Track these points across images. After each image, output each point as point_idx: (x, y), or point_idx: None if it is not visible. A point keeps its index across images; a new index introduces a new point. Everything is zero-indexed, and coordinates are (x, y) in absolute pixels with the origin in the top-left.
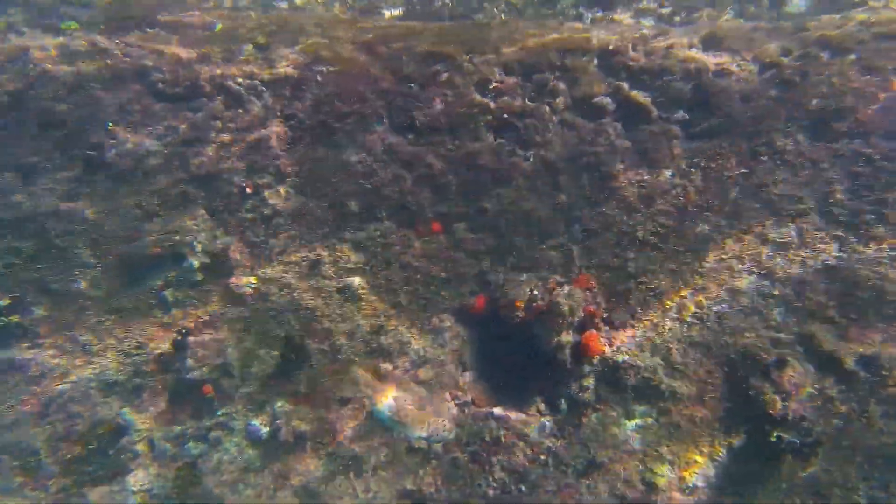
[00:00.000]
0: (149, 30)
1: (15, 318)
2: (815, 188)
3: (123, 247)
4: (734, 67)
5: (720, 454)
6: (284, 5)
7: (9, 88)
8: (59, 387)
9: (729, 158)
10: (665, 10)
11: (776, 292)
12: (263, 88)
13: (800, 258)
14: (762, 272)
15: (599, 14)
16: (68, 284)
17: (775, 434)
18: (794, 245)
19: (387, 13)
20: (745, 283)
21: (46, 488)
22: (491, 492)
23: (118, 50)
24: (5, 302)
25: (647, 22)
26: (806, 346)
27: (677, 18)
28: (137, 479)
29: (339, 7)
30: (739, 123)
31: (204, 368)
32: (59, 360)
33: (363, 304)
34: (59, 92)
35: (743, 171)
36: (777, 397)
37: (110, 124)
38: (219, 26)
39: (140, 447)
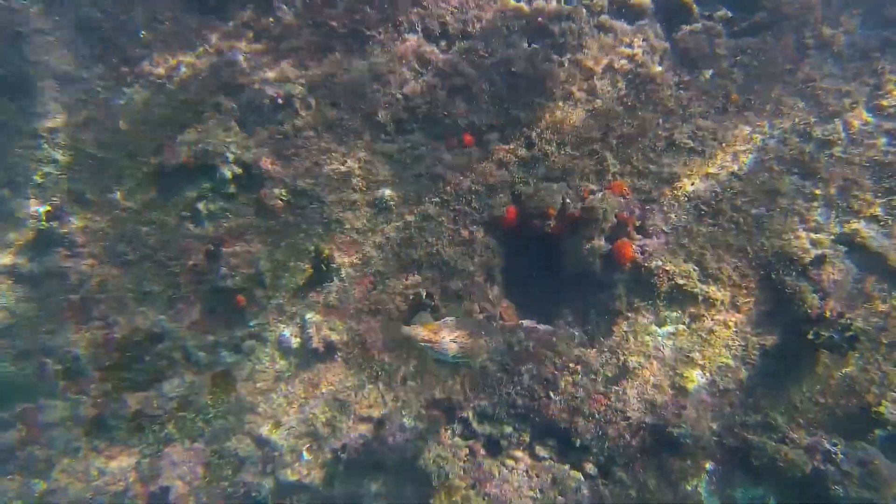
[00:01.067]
0: None
1: (55, 224)
2: (864, 81)
3: (158, 158)
4: None
5: (753, 356)
6: None
7: None
8: (98, 295)
9: (774, 54)
10: None
11: (818, 191)
12: None
13: (845, 155)
14: (805, 172)
15: None
16: (104, 195)
17: (812, 333)
18: (839, 142)
19: None
20: (785, 183)
21: (87, 392)
22: (520, 400)
23: None
24: (46, 208)
25: None
26: (848, 245)
27: None
28: (173, 385)
29: None
30: (787, 16)
31: (237, 278)
32: (96, 268)
33: (393, 215)
34: None
35: (789, 66)
36: (815, 296)
37: (143, 33)
38: None
39: (175, 355)
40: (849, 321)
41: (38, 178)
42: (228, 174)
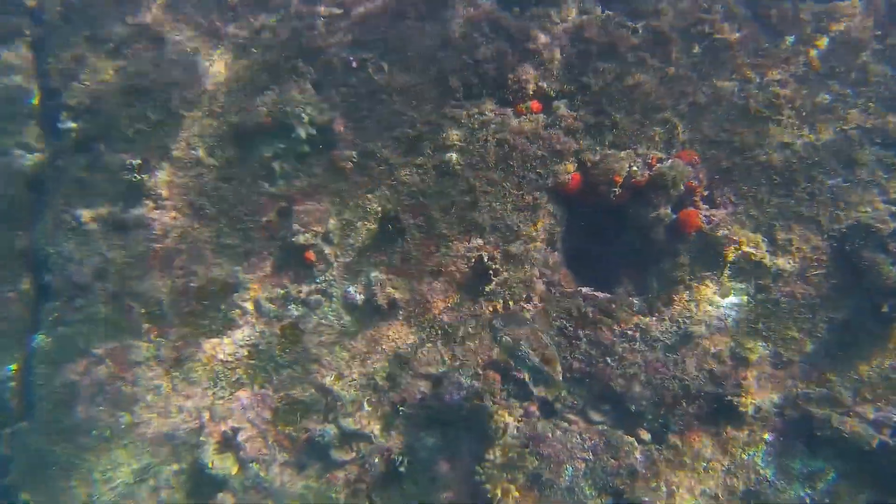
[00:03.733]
0: None
1: (146, 177)
2: None
3: (238, 116)
4: None
5: (821, 329)
6: None
7: None
8: (179, 245)
9: (863, 19)
10: None
11: None
12: None
13: None
14: (887, 142)
15: None
16: (188, 151)
17: (888, 306)
18: None
19: None
20: (866, 153)
21: (168, 335)
22: (577, 364)
23: None
24: (137, 161)
25: None
26: None
27: None
28: (244, 334)
29: None
30: None
31: (308, 234)
32: (179, 220)
33: (459, 179)
34: None
35: (877, 32)
36: (893, 268)
37: None
38: None
39: (248, 305)
40: None
41: (129, 134)
42: (303, 134)
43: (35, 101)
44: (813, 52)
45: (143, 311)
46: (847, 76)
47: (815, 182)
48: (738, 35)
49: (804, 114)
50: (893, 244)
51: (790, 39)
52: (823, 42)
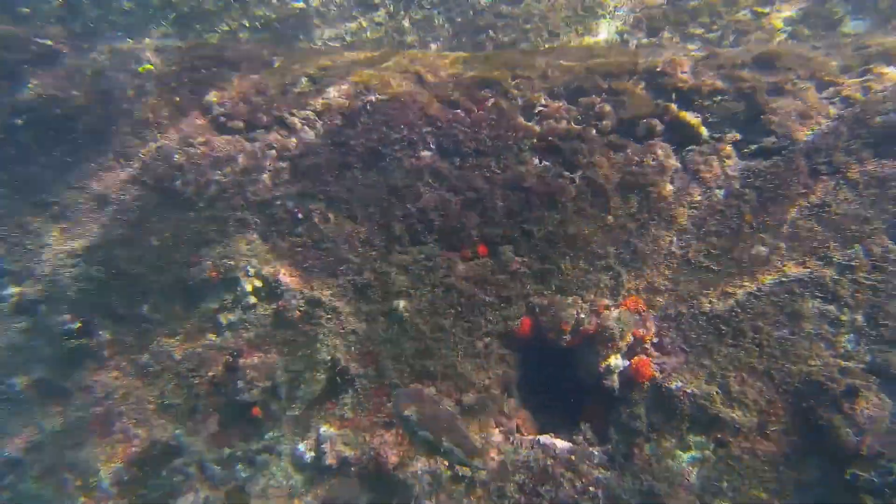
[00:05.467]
0: (214, 69)
1: (84, 341)
2: (883, 207)
3: (184, 272)
4: (790, 86)
5: (788, 491)
6: (337, 44)
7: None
8: (121, 408)
9: (787, 178)
10: (713, 35)
11: (844, 317)
12: (316, 118)
13: (870, 281)
14: (827, 296)
15: (645, 40)
16: (133, 308)
17: (850, 472)
18: (862, 267)
19: (433, 47)
20: (808, 306)
21: None
22: None
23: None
24: (77, 325)
25: (693, 46)
26: (883, 376)
27: (726, 43)
28: (188, 501)
29: (388, 43)
30: (796, 142)
31: (254, 391)
32: (121, 381)
33: (408, 326)
34: (134, 127)
35: (802, 190)
36: (849, 430)
37: (177, 155)
38: (277, 63)
39: (192, 469)
40: (891, 464)
41: (71, 295)
42: (249, 287)
43: None
44: (744, 206)
45: (77, 483)
46: (780, 229)
47: (762, 333)
48: (671, 187)
49: (741, 264)
50: (847, 404)
51: (720, 192)
52: (753, 196)
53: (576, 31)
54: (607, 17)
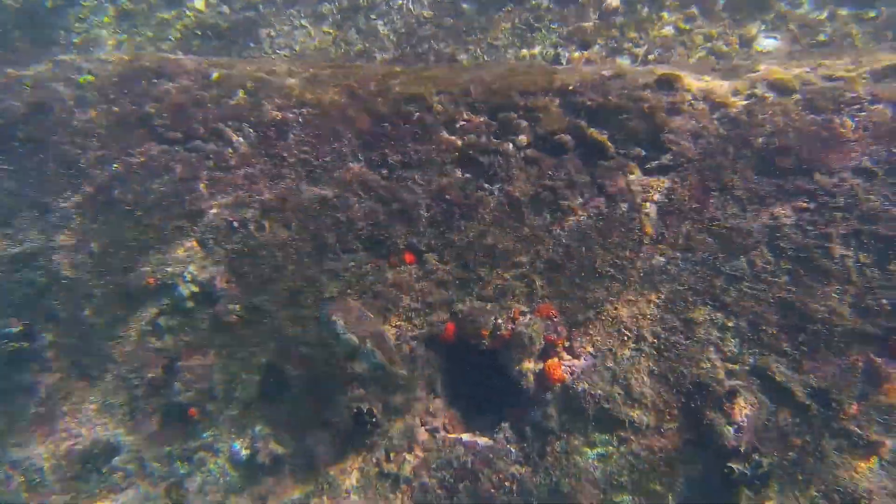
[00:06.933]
0: (155, 80)
1: (26, 345)
2: (763, 223)
3: (124, 278)
4: (686, 106)
5: (679, 484)
6: (286, 53)
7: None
8: (64, 409)
9: (682, 193)
10: (639, 50)
11: (730, 324)
12: (251, 130)
13: (753, 291)
14: (717, 304)
15: (577, 53)
16: (75, 313)
17: (727, 466)
18: (746, 278)
19: (379, 57)
20: (701, 312)
21: None
22: None
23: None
24: (18, 329)
25: (624, 60)
26: (761, 379)
27: (651, 57)
28: (128, 497)
29: (335, 52)
30: (690, 160)
31: (191, 392)
32: (64, 383)
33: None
34: (74, 137)
35: (695, 205)
36: (730, 428)
37: (115, 165)
38: (215, 75)
39: (131, 466)
40: (759, 458)
41: (14, 299)
42: (186, 292)
43: None
44: (647, 220)
45: (21, 479)
46: (675, 242)
47: (659, 338)
48: (580, 200)
49: (642, 275)
50: (728, 404)
51: (624, 205)
52: (653, 210)
53: (513, 43)
54: (542, 30)
